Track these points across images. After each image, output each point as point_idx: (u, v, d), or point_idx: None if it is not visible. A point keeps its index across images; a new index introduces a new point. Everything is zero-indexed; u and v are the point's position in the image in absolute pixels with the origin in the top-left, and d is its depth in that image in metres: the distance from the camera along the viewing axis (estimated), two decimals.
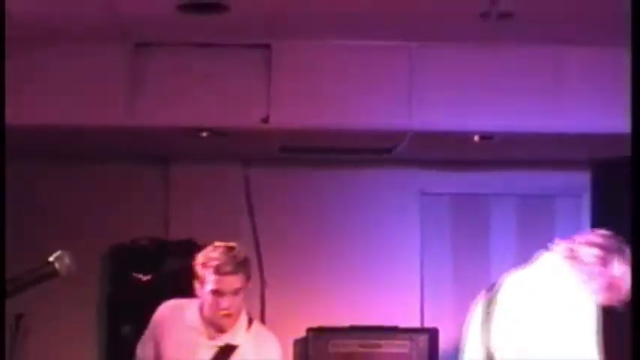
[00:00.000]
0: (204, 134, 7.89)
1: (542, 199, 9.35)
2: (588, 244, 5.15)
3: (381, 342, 8.43)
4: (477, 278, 9.21)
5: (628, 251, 5.12)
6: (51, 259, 3.74)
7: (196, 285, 5.80)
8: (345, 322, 8.51)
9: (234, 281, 5.73)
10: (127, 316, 8.62)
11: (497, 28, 6.81)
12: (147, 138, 8.07)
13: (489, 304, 5.26)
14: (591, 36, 7.14)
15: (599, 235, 5.26)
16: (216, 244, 5.86)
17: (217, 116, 7.57)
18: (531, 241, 9.16)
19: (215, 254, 5.78)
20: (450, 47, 7.46)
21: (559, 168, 9.07)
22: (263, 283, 9.02)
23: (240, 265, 5.79)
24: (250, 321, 5.97)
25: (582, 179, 9.05)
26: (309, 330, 8.53)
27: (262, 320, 8.94)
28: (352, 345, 8.41)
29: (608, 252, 5.11)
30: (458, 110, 7.53)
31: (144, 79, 7.49)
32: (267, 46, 7.45)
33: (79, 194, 9.10)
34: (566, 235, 9.23)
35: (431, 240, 9.35)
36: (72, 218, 8.86)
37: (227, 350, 5.81)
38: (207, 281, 5.71)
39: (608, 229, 8.69)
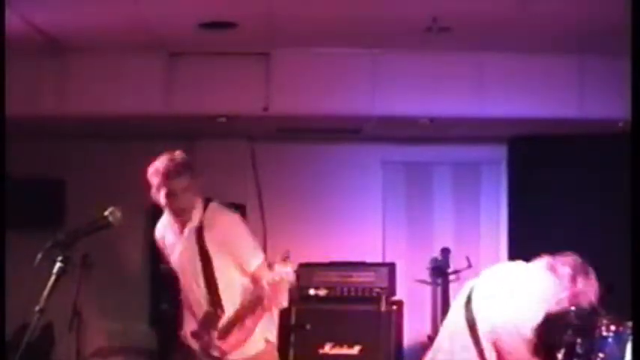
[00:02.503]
0: (222, 119, 7.92)
1: (471, 166, 9.35)
2: (564, 263, 5.15)
3: (353, 273, 8.41)
4: (423, 226, 9.30)
5: (592, 270, 5.16)
6: (106, 213, 3.80)
7: (153, 192, 5.45)
8: (327, 259, 8.54)
9: (180, 182, 5.32)
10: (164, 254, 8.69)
11: (437, 39, 6.87)
12: (178, 122, 8.08)
13: (471, 290, 5.10)
14: (507, 45, 7.19)
15: (572, 257, 5.08)
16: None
17: (230, 106, 7.60)
18: (463, 198, 9.33)
19: (159, 162, 5.43)
20: (403, 54, 7.49)
21: (483, 143, 9.08)
22: (265, 229, 9.06)
23: (183, 167, 5.36)
24: (207, 205, 5.52)
25: (501, 151, 9.08)
26: (300, 265, 8.52)
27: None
28: (332, 276, 8.39)
29: (576, 271, 5.10)
30: (409, 100, 7.58)
31: (176, 79, 7.54)
32: (267, 54, 7.48)
33: (128, 165, 9.09)
34: (490, 191, 9.38)
35: (390, 198, 9.33)
36: (124, 183, 8.87)
37: (198, 232, 5.40)
38: (160, 186, 5.37)
39: (518, 189, 8.78)
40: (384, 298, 8.29)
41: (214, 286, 5.37)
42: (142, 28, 6.67)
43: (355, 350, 8.17)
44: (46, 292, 3.48)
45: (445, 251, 9.02)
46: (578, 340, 5.54)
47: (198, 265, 5.39)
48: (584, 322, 5.40)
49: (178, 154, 5.43)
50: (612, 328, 5.43)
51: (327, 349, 8.17)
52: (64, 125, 8.17)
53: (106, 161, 9.12)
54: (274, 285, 5.11)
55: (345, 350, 8.14)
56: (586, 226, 8.36)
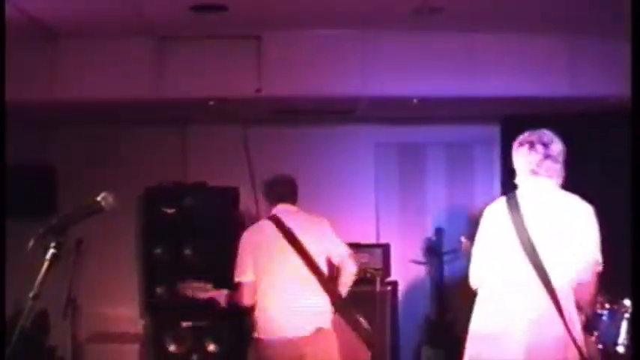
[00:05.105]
0: (211, 103, 7.90)
1: (464, 146, 9.36)
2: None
3: None
4: (417, 207, 9.32)
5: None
6: (98, 198, 3.75)
7: None
8: None
9: None
10: (157, 239, 8.68)
11: (428, 19, 6.84)
12: (169, 106, 8.06)
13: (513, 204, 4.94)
14: (497, 25, 7.17)
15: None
16: None
17: (222, 89, 7.56)
18: (456, 178, 9.35)
19: None
20: (394, 34, 7.43)
21: (476, 123, 9.09)
22: (258, 212, 9.04)
23: None
24: None
25: (494, 131, 9.08)
26: None
27: None
28: None
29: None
30: (400, 81, 7.54)
31: (166, 63, 7.49)
32: (258, 37, 7.45)
33: (121, 150, 9.14)
34: (483, 172, 9.37)
35: (383, 179, 9.35)
36: (116, 168, 8.89)
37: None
38: None
39: (511, 168, 8.75)
40: (378, 278, 8.31)
41: None
42: (131, 12, 6.62)
43: None
44: (39, 279, 3.46)
45: (439, 231, 9.04)
46: None
47: None
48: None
49: None
50: (607, 305, 5.45)
51: None
52: (55, 111, 8.15)
53: (97, 147, 9.13)
54: None
55: None
56: None
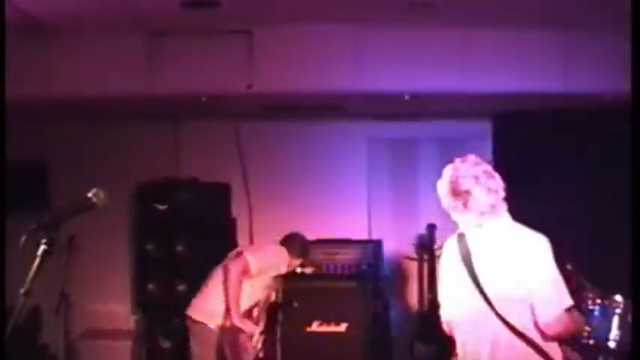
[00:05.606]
0: (203, 99, 7.88)
1: (457, 142, 9.30)
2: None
3: (340, 251, 8.43)
4: (409, 203, 9.30)
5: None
6: (89, 194, 3.74)
7: None
8: (313, 237, 8.50)
9: None
10: (149, 236, 8.67)
11: (422, 14, 6.83)
12: (161, 103, 8.04)
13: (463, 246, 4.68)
14: (491, 20, 7.16)
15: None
16: None
17: (214, 85, 7.54)
18: None
19: None
20: (387, 29, 7.41)
21: (469, 118, 9.03)
22: (250, 208, 9.07)
23: None
24: None
25: (486, 127, 9.07)
26: None
27: (250, 236, 9.04)
28: (318, 254, 8.39)
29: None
30: (393, 76, 7.52)
31: (159, 59, 7.47)
32: (249, 32, 7.43)
33: (113, 146, 9.12)
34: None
35: (375, 175, 9.34)
36: (109, 164, 8.88)
37: None
38: None
39: (505, 162, 8.76)
40: (370, 275, 8.30)
41: None
42: (123, 8, 6.61)
43: (342, 327, 8.18)
44: (30, 275, 3.45)
45: (431, 227, 9.02)
46: None
47: None
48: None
49: None
50: (598, 301, 5.44)
51: (315, 326, 8.18)
52: (47, 107, 8.13)
53: (89, 143, 9.13)
54: None
55: (332, 328, 8.14)
56: (573, 200, 8.38)
